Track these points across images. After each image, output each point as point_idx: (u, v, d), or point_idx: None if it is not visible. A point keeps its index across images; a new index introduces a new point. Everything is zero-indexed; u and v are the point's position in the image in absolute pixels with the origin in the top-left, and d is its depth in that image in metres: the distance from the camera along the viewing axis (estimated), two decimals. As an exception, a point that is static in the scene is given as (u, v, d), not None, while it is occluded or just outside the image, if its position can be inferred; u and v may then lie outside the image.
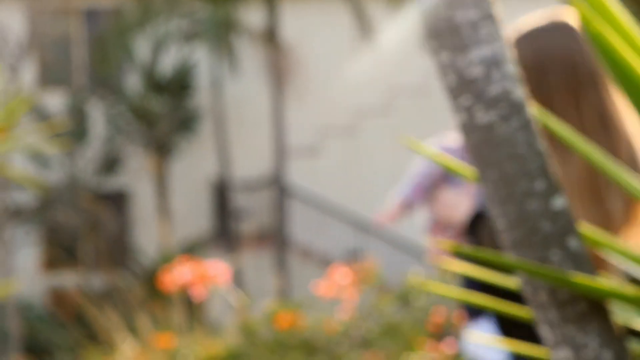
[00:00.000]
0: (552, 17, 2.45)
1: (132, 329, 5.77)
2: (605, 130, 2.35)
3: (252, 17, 15.67)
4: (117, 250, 17.37)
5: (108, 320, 5.60)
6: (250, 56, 15.86)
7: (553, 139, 2.35)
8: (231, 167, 15.96)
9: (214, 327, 5.75)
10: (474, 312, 2.45)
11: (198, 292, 5.36)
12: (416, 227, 14.96)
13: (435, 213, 2.67)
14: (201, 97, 16.99)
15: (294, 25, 16.23)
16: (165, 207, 17.14)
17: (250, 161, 16.46)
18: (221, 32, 15.12)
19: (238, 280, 15.44)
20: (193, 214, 17.32)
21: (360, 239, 16.35)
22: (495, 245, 2.42)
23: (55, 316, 15.55)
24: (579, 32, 2.39)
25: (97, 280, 16.67)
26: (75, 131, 15.92)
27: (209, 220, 17.51)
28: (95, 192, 16.90)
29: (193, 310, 6.43)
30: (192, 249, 16.36)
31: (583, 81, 2.36)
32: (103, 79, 17.13)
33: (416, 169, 2.65)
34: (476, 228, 2.49)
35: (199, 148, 17.19)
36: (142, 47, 16.53)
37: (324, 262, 16.00)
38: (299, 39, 15.62)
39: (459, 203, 2.56)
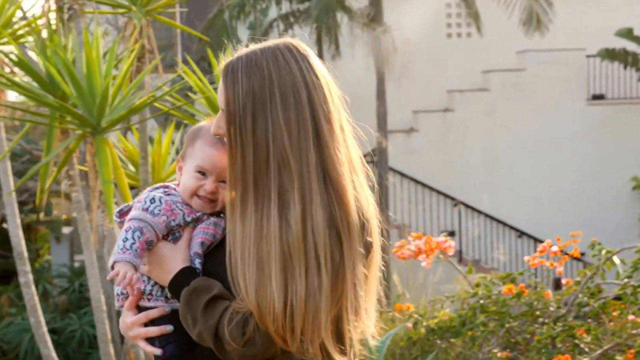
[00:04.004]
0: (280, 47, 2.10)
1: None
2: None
3: (355, -2, 15.89)
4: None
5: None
6: (352, 37, 16.09)
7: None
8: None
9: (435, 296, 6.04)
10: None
11: (426, 261, 5.68)
12: (516, 204, 15.07)
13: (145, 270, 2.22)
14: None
15: (395, 7, 16.46)
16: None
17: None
18: (326, 13, 15.36)
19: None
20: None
21: (457, 217, 16.61)
22: (191, 304, 2.11)
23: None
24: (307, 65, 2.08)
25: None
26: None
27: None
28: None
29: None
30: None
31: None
32: (204, 59, 17.41)
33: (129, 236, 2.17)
34: (179, 286, 2.15)
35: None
36: (244, 28, 16.81)
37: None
38: (400, 21, 15.82)
39: (171, 258, 2.19)
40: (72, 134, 4.93)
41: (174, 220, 2.19)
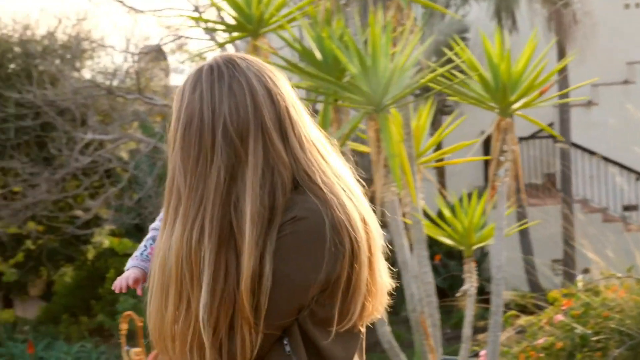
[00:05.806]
0: (220, 65, 1.98)
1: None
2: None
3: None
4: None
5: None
6: (531, 11, 15.98)
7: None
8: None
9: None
10: None
11: None
12: None
13: None
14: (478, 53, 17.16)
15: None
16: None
17: (529, 114, 16.62)
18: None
19: (523, 231, 15.71)
20: (464, 165, 17.60)
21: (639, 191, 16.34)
22: None
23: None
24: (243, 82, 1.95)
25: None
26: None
27: (481, 171, 17.77)
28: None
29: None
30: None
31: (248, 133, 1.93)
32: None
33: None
34: None
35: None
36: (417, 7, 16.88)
37: (603, 215, 16.09)
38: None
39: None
40: (346, 112, 5.15)
41: None
